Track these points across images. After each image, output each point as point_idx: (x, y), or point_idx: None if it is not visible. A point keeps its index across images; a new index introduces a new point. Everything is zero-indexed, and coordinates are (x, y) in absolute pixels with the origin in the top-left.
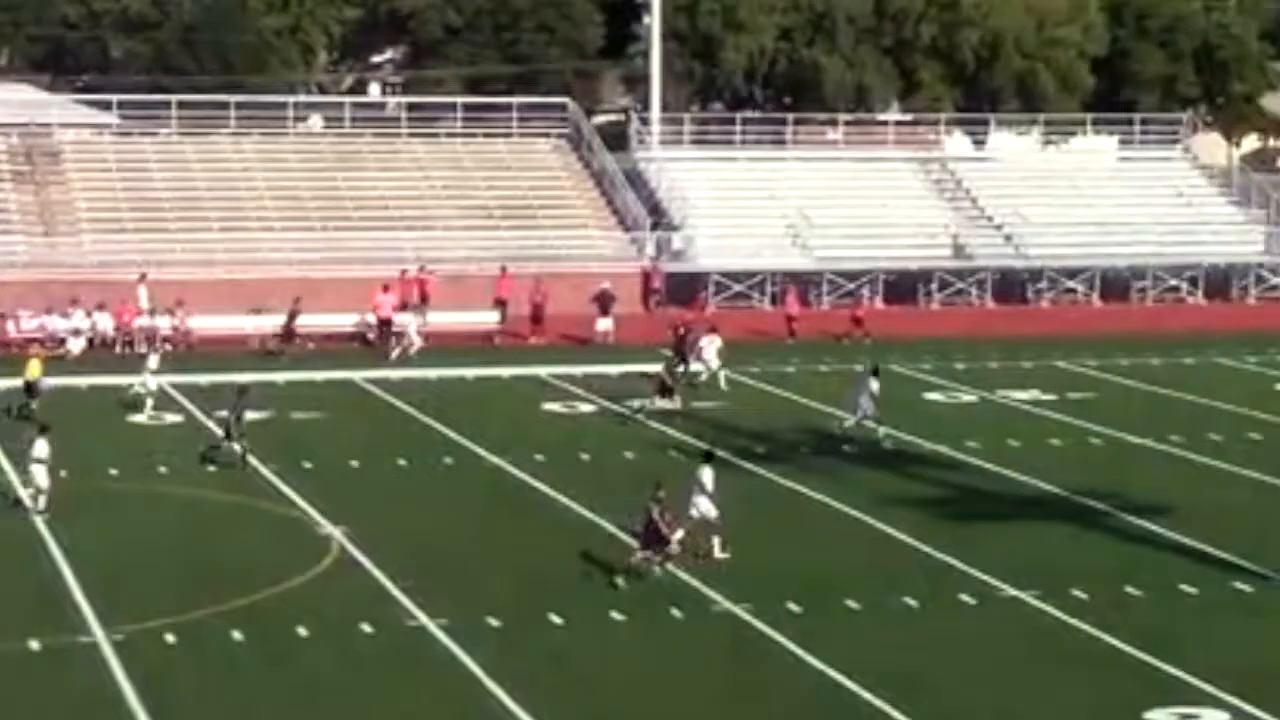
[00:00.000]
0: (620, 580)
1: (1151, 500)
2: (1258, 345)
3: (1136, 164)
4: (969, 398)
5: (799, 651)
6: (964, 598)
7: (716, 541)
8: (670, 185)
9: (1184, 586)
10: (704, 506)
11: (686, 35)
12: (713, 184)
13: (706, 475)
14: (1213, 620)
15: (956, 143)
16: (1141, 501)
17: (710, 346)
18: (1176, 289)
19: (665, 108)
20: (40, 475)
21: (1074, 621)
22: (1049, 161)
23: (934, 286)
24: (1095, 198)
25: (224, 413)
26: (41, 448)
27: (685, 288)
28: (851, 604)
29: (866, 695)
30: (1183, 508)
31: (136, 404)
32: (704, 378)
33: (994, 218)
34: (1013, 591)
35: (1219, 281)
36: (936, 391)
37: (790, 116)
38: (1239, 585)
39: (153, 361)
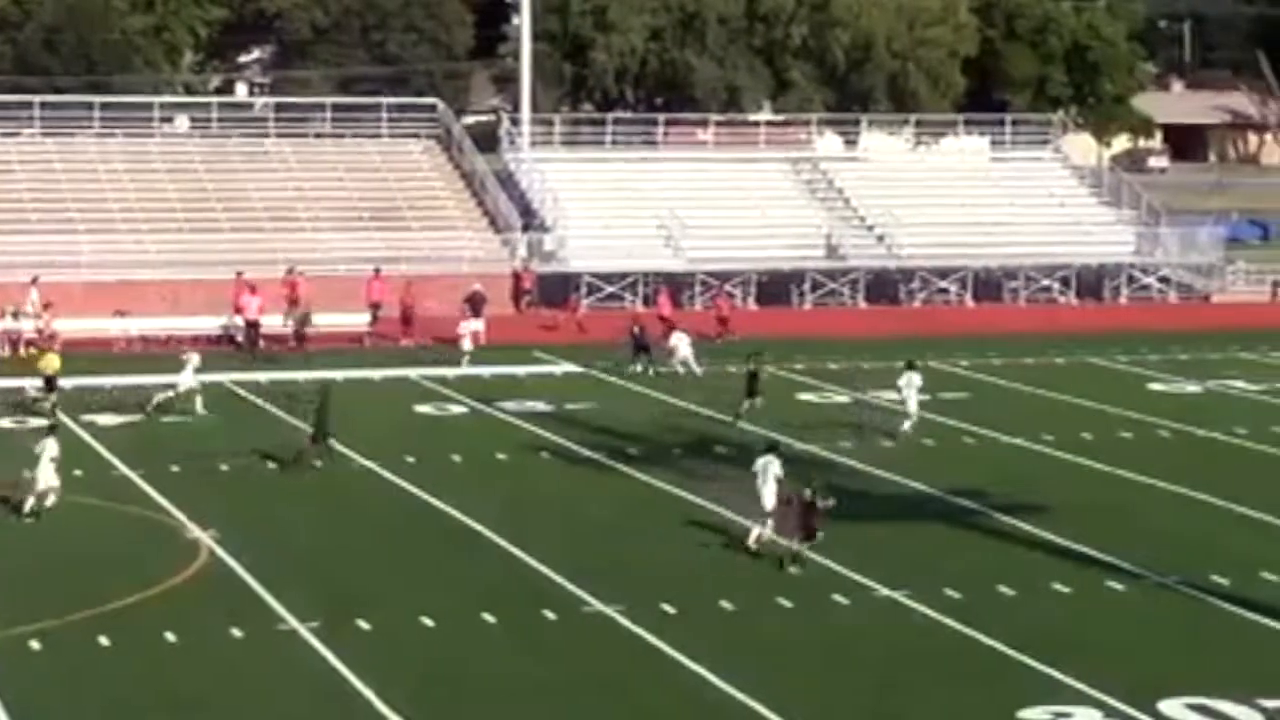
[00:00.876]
0: (794, 568)
1: (1024, 500)
2: (1129, 345)
3: (1008, 164)
4: (842, 398)
5: (672, 652)
6: (837, 598)
7: (756, 531)
8: (541, 186)
9: (1057, 585)
10: (768, 497)
11: (557, 36)
12: (584, 185)
13: (776, 466)
14: (1086, 619)
15: (828, 143)
16: (1014, 501)
17: (682, 344)
18: (1048, 289)
19: (536, 108)
20: (51, 474)
21: (947, 621)
22: (921, 162)
23: (806, 287)
24: (967, 198)
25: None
26: (53, 447)
27: (557, 289)
28: (726, 605)
29: (740, 696)
30: (1055, 507)
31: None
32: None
33: (866, 218)
34: (886, 591)
35: (1090, 281)
36: (809, 392)
37: (661, 117)
38: (1112, 584)
39: (195, 360)
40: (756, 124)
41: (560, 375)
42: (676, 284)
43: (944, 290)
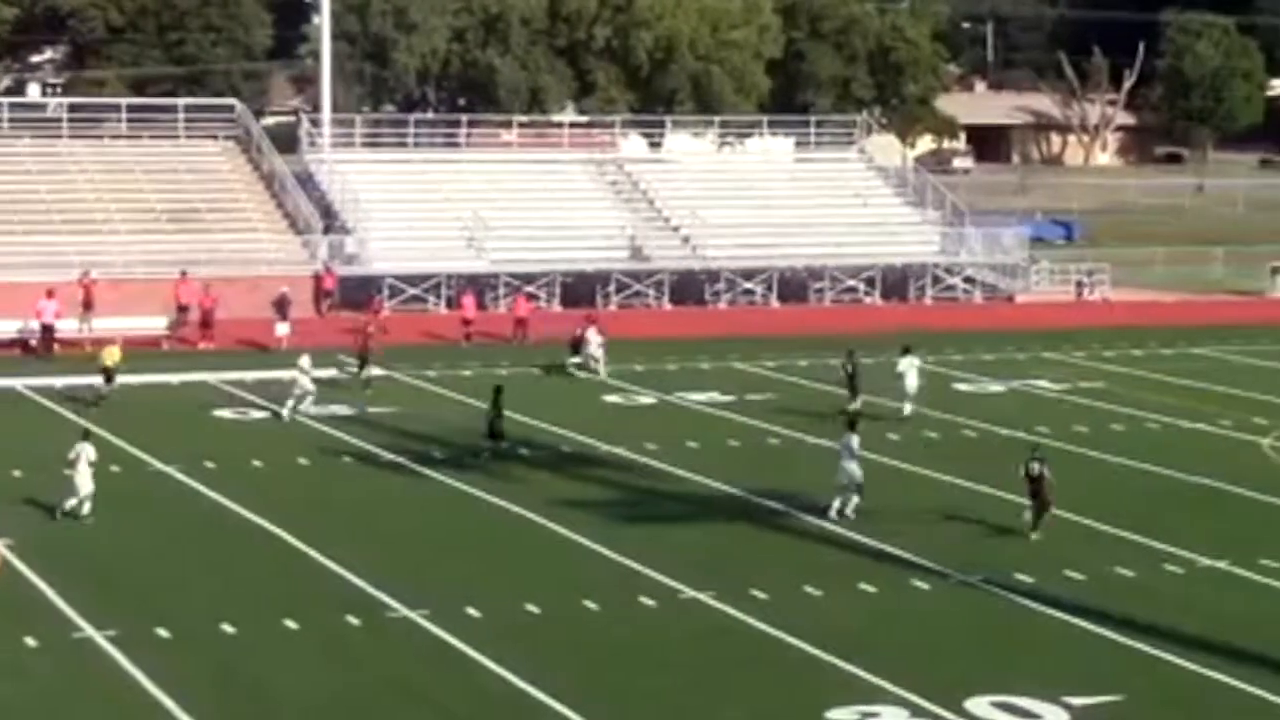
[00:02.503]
0: (1035, 535)
1: (830, 500)
2: (934, 345)
3: (813, 165)
4: (647, 399)
5: (478, 657)
6: (644, 600)
7: (855, 500)
8: (342, 188)
9: (864, 585)
10: (853, 470)
11: (357, 36)
12: (386, 186)
13: (854, 441)
14: (892, 618)
15: (632, 144)
16: (820, 501)
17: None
18: (854, 290)
19: (336, 109)
20: (88, 479)
21: (754, 622)
22: (725, 163)
23: (611, 288)
24: (772, 199)
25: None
26: (90, 451)
27: (359, 291)
28: (532, 608)
29: (546, 699)
30: (861, 507)
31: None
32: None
33: (671, 219)
34: (692, 593)
35: (895, 282)
36: (615, 394)
37: (464, 118)
38: (918, 583)
39: (305, 361)
40: (560, 125)
41: (364, 379)
42: (480, 286)
43: (749, 291)
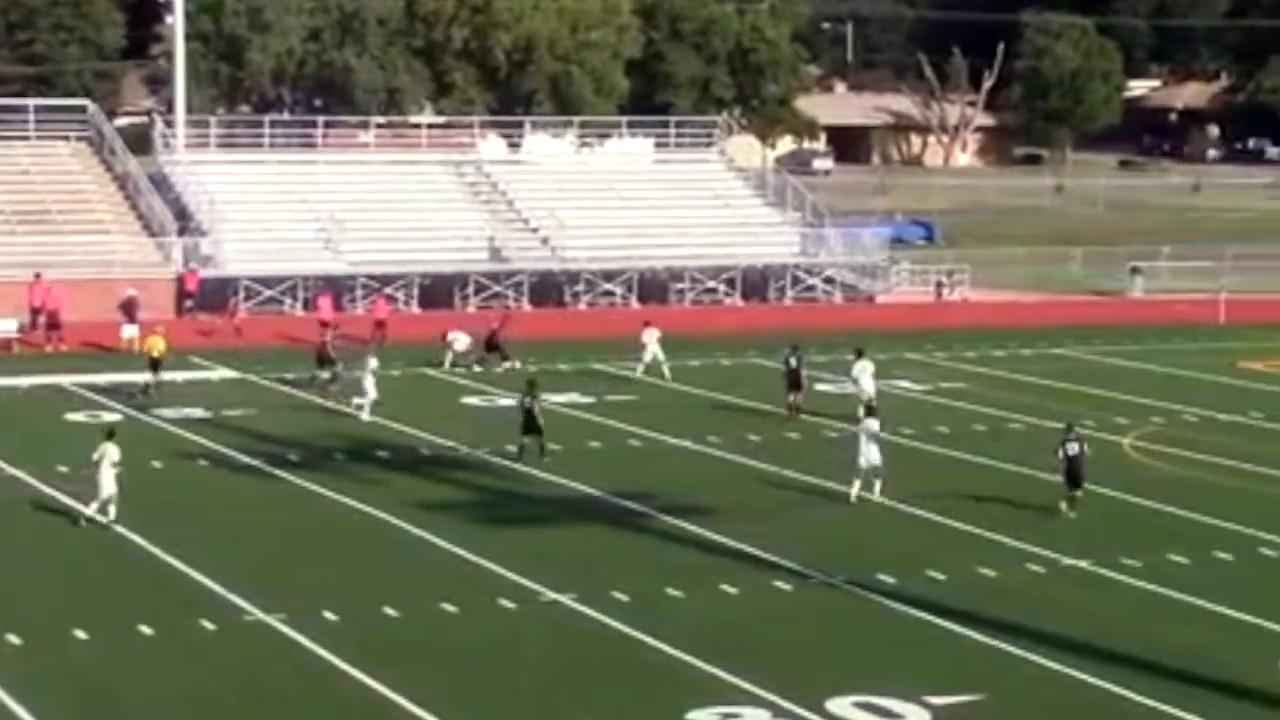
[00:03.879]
0: (1072, 514)
1: (692, 501)
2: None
3: (673, 166)
4: (507, 401)
5: (336, 661)
6: (503, 602)
7: (879, 485)
8: (197, 189)
9: (725, 586)
10: (873, 454)
11: (211, 36)
12: (241, 188)
13: (874, 424)
14: (754, 619)
15: (491, 146)
16: (682, 502)
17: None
18: (714, 290)
19: (190, 110)
20: (112, 481)
21: (614, 624)
22: (585, 164)
23: (470, 290)
24: (632, 200)
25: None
26: (114, 452)
27: (215, 293)
28: (390, 611)
29: (405, 702)
30: (723, 508)
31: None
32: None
33: (530, 220)
34: (552, 595)
35: (756, 282)
36: (474, 396)
37: (321, 119)
38: (779, 584)
39: (373, 363)
40: (418, 126)
41: (218, 381)
42: (337, 288)
43: (609, 292)
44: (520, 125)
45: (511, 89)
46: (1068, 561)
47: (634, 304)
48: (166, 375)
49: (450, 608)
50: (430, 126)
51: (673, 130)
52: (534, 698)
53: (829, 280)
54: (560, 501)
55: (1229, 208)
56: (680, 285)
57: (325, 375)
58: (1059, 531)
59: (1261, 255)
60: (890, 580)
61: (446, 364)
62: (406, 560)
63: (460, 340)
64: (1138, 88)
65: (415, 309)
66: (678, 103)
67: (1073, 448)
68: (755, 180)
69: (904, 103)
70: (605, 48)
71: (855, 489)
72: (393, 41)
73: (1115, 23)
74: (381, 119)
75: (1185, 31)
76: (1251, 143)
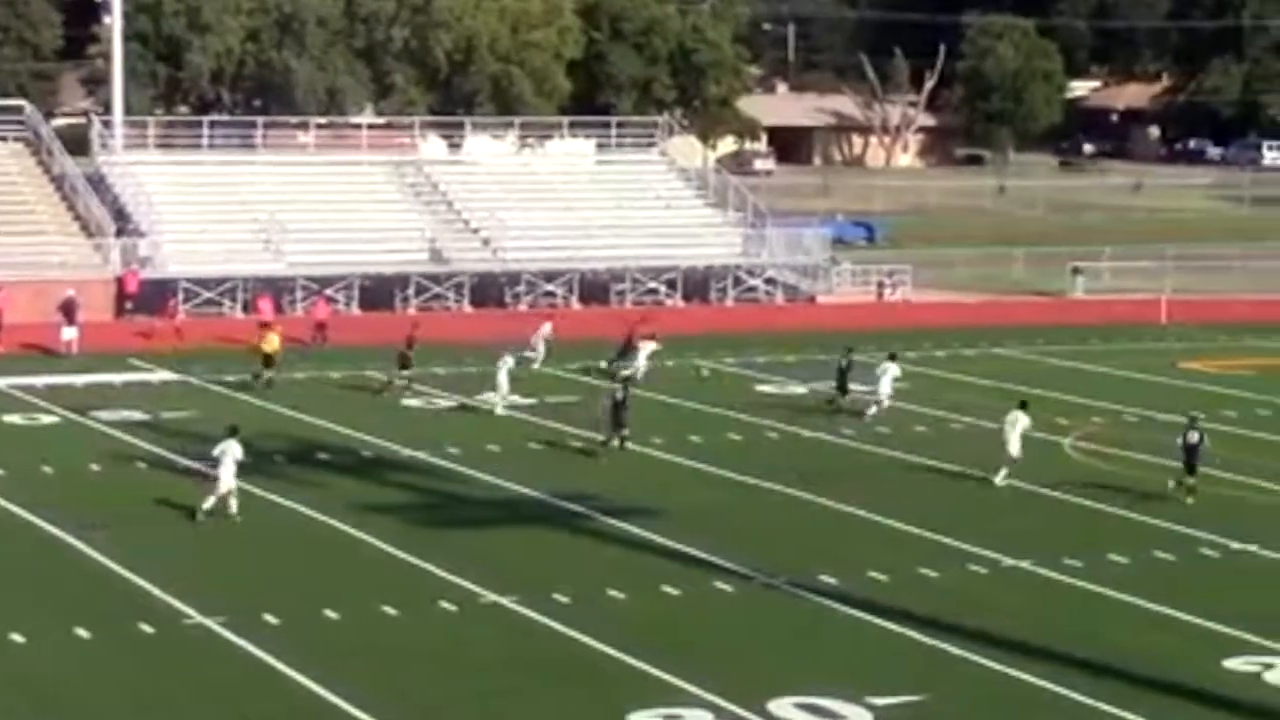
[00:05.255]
0: (1190, 499)
1: (633, 502)
2: (736, 346)
3: (614, 167)
4: (447, 403)
5: (277, 664)
6: (444, 605)
7: (1004, 472)
8: (136, 190)
9: (666, 588)
10: (1014, 446)
11: (149, 36)
12: (180, 189)
13: (1025, 420)
14: (695, 621)
15: (432, 146)
16: (623, 504)
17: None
18: (655, 291)
19: (129, 110)
20: (231, 476)
21: (556, 625)
22: (526, 165)
23: (411, 291)
24: (573, 201)
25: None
26: (236, 449)
27: (155, 295)
28: (331, 614)
29: (346, 705)
30: (665, 509)
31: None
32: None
33: (471, 221)
34: (493, 597)
35: (697, 283)
36: (416, 398)
37: (260, 120)
38: (721, 585)
39: (510, 360)
40: (358, 127)
41: (158, 383)
42: (277, 289)
43: (550, 294)
44: (461, 126)
45: (452, 90)
46: (1009, 562)
47: (575, 305)
48: (108, 378)
49: (391, 610)
50: (370, 127)
51: (614, 131)
52: (475, 699)
53: (770, 281)
54: (501, 503)
55: (1170, 208)
56: (621, 286)
57: (403, 377)
58: (1000, 532)
59: (1202, 255)
60: (832, 581)
61: (538, 363)
62: (347, 562)
63: (541, 341)
64: (1079, 89)
65: (356, 310)
66: (619, 103)
67: (1193, 436)
68: (697, 181)
69: (846, 103)
70: (546, 48)
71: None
72: (333, 42)
73: (1056, 24)
74: (321, 120)
75: (1126, 33)
76: (1192, 143)
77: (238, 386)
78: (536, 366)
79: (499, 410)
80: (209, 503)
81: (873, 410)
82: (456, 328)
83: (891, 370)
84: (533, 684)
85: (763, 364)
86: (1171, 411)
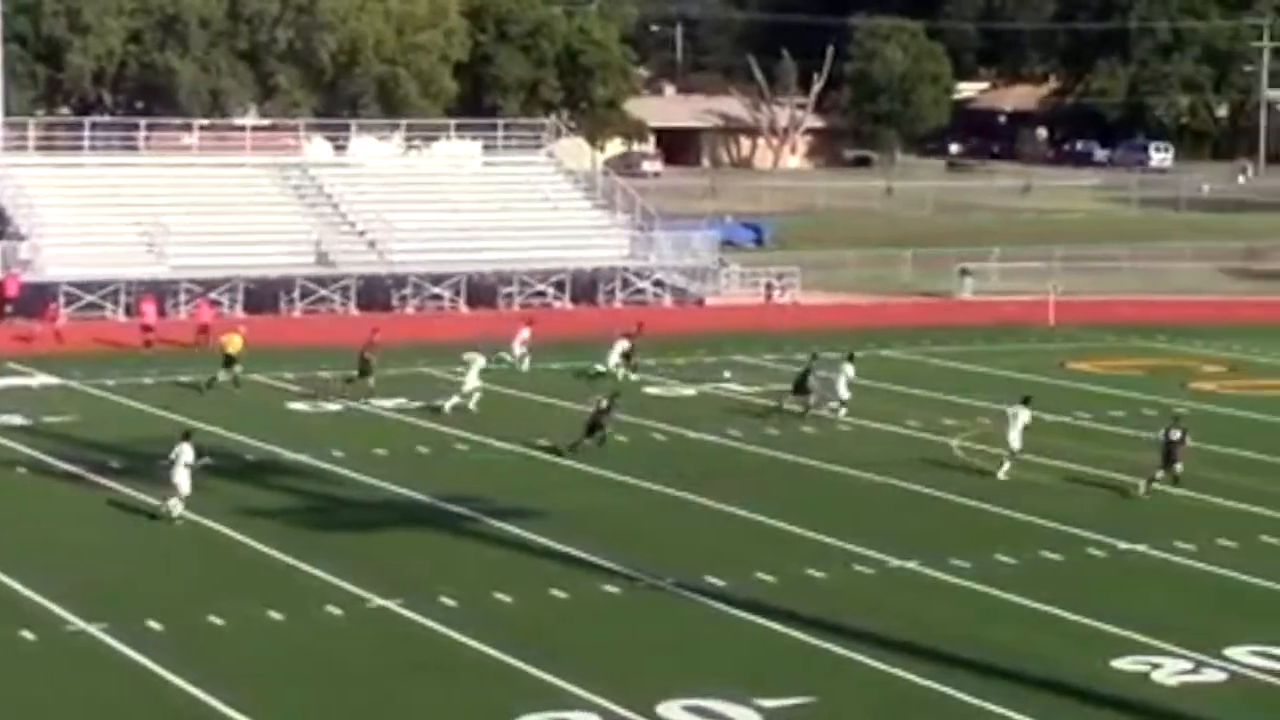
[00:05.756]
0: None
1: (519, 505)
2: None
3: (501, 169)
4: (333, 407)
5: (160, 671)
6: (330, 609)
7: (1006, 466)
8: (15, 192)
9: (554, 591)
10: (1015, 439)
11: (29, 37)
12: (61, 191)
13: (1026, 414)
14: (583, 623)
15: (317, 148)
16: (509, 506)
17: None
18: (543, 294)
19: (9, 112)
20: (186, 480)
21: (443, 629)
22: (412, 167)
23: (296, 294)
24: (460, 203)
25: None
26: (188, 453)
27: (35, 298)
28: (215, 619)
29: (233, 714)
30: (551, 512)
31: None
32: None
33: (357, 224)
34: (380, 601)
35: (585, 285)
36: (300, 401)
37: (143, 122)
38: (608, 587)
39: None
40: (242, 129)
41: (38, 387)
42: (160, 292)
43: (437, 296)
44: (346, 128)
45: (337, 91)
46: (896, 563)
47: (463, 307)
48: None
49: (276, 615)
50: (255, 129)
51: (501, 133)
52: (362, 704)
53: (658, 283)
54: (387, 506)
55: (1058, 209)
56: (509, 288)
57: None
58: (887, 532)
59: (1090, 256)
60: (719, 582)
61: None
62: (231, 567)
63: (621, 344)
64: (967, 90)
65: (240, 313)
66: (506, 105)
67: (1175, 434)
68: (584, 183)
69: (733, 105)
70: (432, 50)
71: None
72: (216, 43)
73: (944, 26)
74: (205, 121)
75: (1013, 35)
76: (1079, 145)
77: (119, 390)
78: (525, 368)
79: (472, 406)
80: (178, 508)
81: (840, 411)
82: (342, 331)
83: (847, 370)
84: (419, 688)
85: (650, 366)
86: (1059, 413)
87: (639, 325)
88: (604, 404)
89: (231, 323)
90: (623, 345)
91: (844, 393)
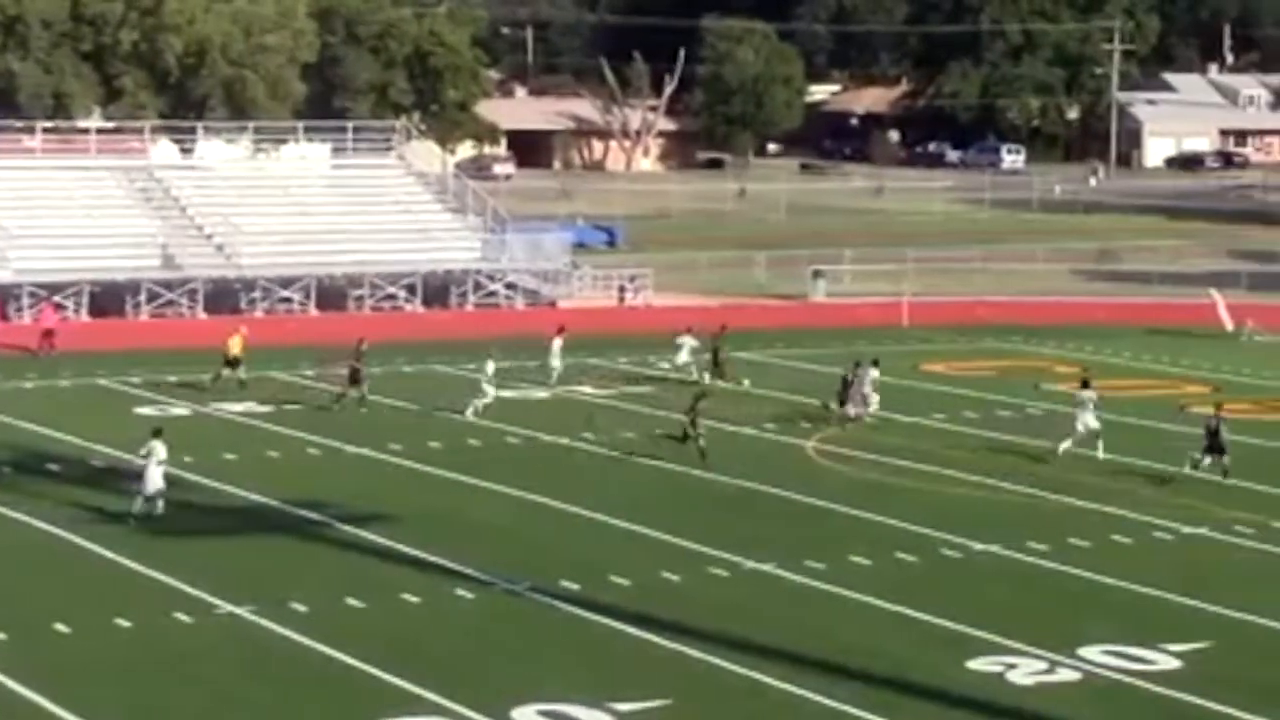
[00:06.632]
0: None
1: (372, 510)
2: (476, 352)
3: (351, 172)
4: (182, 411)
5: (5, 680)
6: (179, 616)
7: (1069, 443)
8: None
9: (407, 596)
10: (1089, 419)
11: None
12: None
13: (875, 372)
14: (437, 628)
15: (163, 151)
16: (362, 511)
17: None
18: (394, 297)
19: None
20: (159, 477)
21: (294, 635)
22: (261, 170)
23: (142, 298)
24: (309, 206)
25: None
26: (160, 450)
27: None
28: (61, 628)
29: None
30: (405, 517)
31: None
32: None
33: (204, 227)
34: (229, 607)
35: (437, 288)
36: (147, 406)
37: None
38: (462, 592)
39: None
40: (86, 131)
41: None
42: (3, 296)
43: (287, 300)
44: (193, 130)
45: (184, 93)
46: (751, 565)
47: (313, 311)
48: None
49: (124, 622)
50: (99, 131)
51: (350, 135)
52: (212, 713)
53: (511, 286)
54: (238, 512)
55: (911, 211)
56: (359, 292)
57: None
58: (743, 535)
59: (943, 258)
60: (574, 586)
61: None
62: (79, 574)
63: (688, 344)
64: (819, 92)
65: (85, 317)
66: (355, 108)
67: (1213, 423)
68: (436, 185)
69: (585, 107)
70: (280, 51)
71: (1065, 445)
72: (58, 44)
73: (796, 28)
74: (48, 124)
75: (865, 37)
76: (932, 146)
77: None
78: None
79: (480, 410)
80: (138, 504)
81: (866, 416)
82: (190, 335)
83: (872, 374)
84: (272, 696)
85: (503, 369)
86: (914, 414)
87: (723, 326)
88: (694, 404)
89: (234, 324)
90: (691, 343)
91: (872, 396)
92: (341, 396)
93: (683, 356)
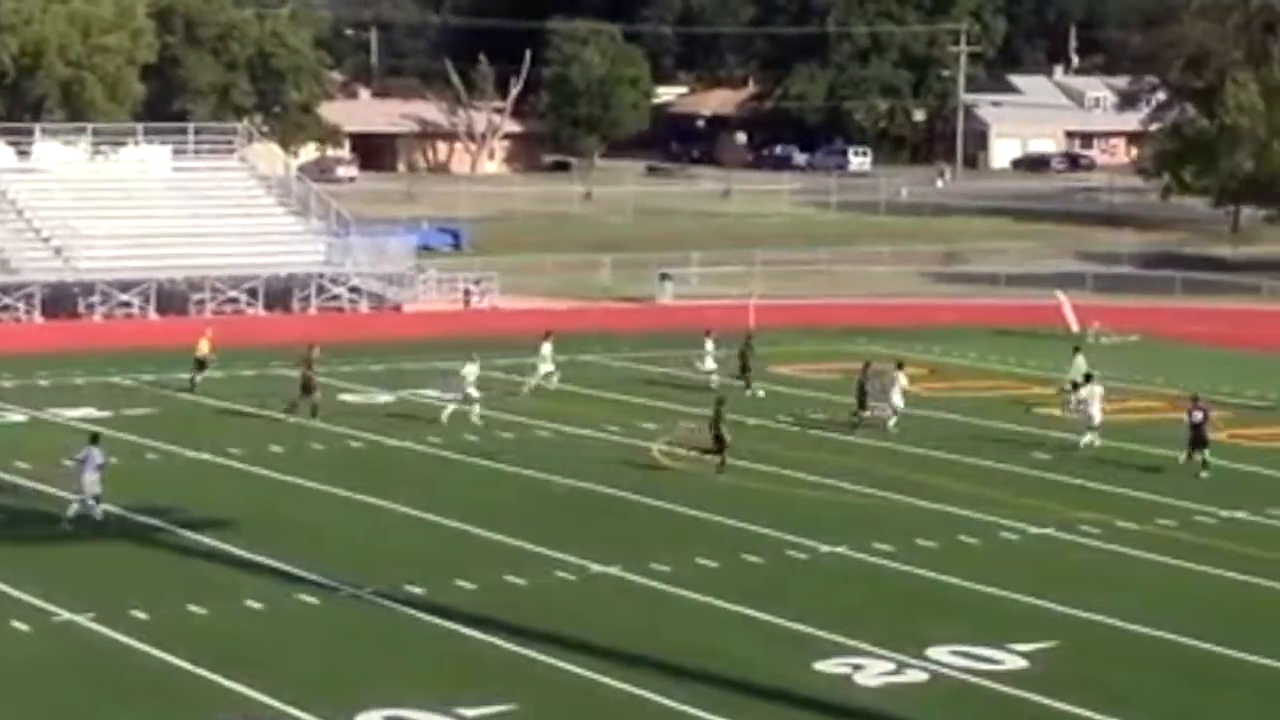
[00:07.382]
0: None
1: (213, 515)
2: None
3: (192, 174)
4: (18, 417)
5: None
6: (16, 624)
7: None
8: None
9: (250, 601)
10: (1095, 409)
11: None
12: None
13: (1099, 390)
14: (280, 634)
15: None
16: (203, 517)
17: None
18: (236, 301)
19: None
20: (95, 483)
21: (135, 643)
22: (99, 172)
23: None
24: (150, 209)
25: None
26: (98, 455)
27: None
28: None
29: None
30: (245, 522)
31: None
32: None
33: (42, 230)
34: (68, 615)
35: (280, 292)
36: None
37: None
38: (306, 597)
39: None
40: None
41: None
42: None
43: (126, 304)
44: (30, 132)
45: (20, 95)
46: (598, 568)
47: (152, 315)
48: None
49: None
50: None
51: (191, 137)
52: None
53: (354, 289)
54: (77, 519)
55: (758, 213)
56: (201, 295)
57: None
58: (589, 538)
59: (790, 260)
60: (418, 591)
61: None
62: None
63: (711, 350)
64: (666, 94)
65: None
66: (196, 109)
67: (1196, 416)
68: (278, 188)
69: (430, 110)
70: (119, 52)
71: (1086, 439)
72: None
73: (642, 29)
74: None
75: (711, 39)
76: (779, 149)
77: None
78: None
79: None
80: (73, 509)
81: (891, 421)
82: (27, 339)
83: (900, 380)
84: (112, 704)
85: (347, 373)
86: (762, 416)
87: (748, 335)
88: (718, 410)
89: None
90: (712, 348)
91: (898, 401)
92: (293, 406)
93: (709, 364)
